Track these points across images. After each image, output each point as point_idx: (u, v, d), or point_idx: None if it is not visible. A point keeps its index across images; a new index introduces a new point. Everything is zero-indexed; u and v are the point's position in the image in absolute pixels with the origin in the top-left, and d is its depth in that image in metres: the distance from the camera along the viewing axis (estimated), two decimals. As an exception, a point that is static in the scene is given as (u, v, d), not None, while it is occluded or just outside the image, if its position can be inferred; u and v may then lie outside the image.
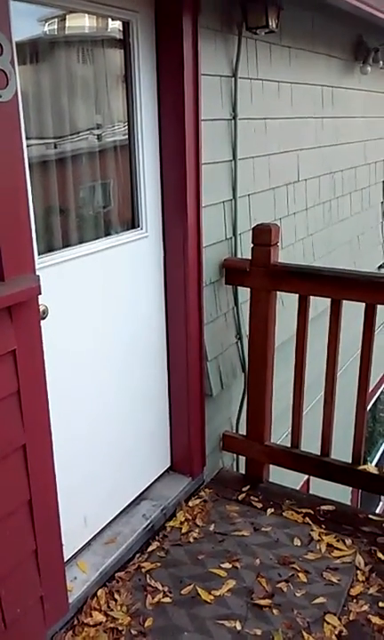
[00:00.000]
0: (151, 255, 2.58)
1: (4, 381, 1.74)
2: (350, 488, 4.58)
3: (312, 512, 2.74)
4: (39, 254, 1.98)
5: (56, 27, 2.06)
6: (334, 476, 2.79)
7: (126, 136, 2.39)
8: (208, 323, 2.80)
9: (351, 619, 2.19)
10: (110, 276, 2.38)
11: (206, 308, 2.75)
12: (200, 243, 2.63)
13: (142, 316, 2.59)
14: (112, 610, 2.22)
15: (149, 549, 2.53)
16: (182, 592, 2.30)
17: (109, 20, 2.25)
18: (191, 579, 2.36)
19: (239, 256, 2.96)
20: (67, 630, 2.14)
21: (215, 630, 2.14)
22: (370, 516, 2.73)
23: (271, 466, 3.01)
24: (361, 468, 2.73)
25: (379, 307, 2.58)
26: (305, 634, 2.11)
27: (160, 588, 2.31)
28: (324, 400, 2.78)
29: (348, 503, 4.32)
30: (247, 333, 2.92)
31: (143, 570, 2.41)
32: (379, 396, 6.65)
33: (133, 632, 2.13)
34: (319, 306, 2.97)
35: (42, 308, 1.96)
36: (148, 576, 2.38)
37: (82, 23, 2.15)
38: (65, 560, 2.17)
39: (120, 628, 2.13)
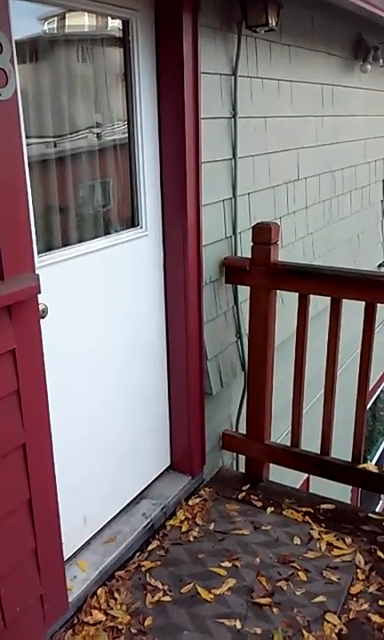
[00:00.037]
0: (151, 254, 2.58)
1: (3, 380, 1.74)
2: (350, 487, 4.58)
3: (312, 511, 2.75)
4: (39, 253, 1.98)
5: (56, 25, 2.05)
6: (334, 474, 2.80)
7: (126, 135, 2.39)
8: (208, 321, 2.80)
9: (351, 617, 2.19)
10: (110, 274, 2.38)
11: (206, 307, 2.75)
12: (200, 241, 2.62)
13: (142, 315, 2.59)
14: (112, 609, 2.22)
15: (149, 548, 2.53)
16: (182, 591, 2.30)
17: (109, 18, 2.24)
18: (191, 577, 2.36)
19: (239, 255, 2.96)
20: (66, 629, 2.14)
21: (215, 629, 2.14)
22: (370, 515, 2.73)
23: (271, 465, 3.01)
24: (361, 466, 2.73)
25: (379, 305, 2.58)
26: (305, 632, 2.11)
27: (160, 586, 2.32)
28: (324, 398, 2.78)
29: (348, 502, 4.32)
30: (247, 332, 2.91)
31: (143, 569, 2.41)
32: (379, 395, 6.66)
33: (133, 631, 2.13)
34: (319, 304, 2.97)
35: (41, 307, 1.96)
36: (147, 575, 2.38)
37: (81, 22, 2.15)
38: (65, 559, 2.17)
39: (120, 627, 2.14)
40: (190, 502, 2.82)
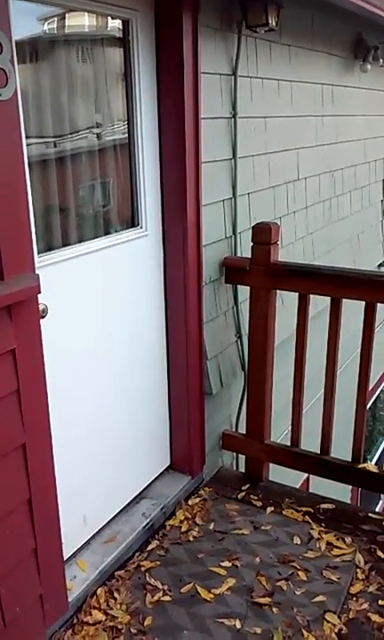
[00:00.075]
0: (151, 254, 2.58)
1: (3, 380, 1.74)
2: (350, 486, 4.58)
3: (312, 510, 2.75)
4: (39, 253, 1.98)
5: (56, 25, 2.05)
6: (334, 474, 2.80)
7: (126, 135, 2.39)
8: (208, 321, 2.80)
9: (351, 617, 2.19)
10: (110, 274, 2.38)
11: (206, 307, 2.75)
12: (200, 241, 2.62)
13: (142, 315, 2.59)
14: (112, 608, 2.22)
15: (149, 548, 2.53)
16: (182, 590, 2.30)
17: (109, 18, 2.24)
18: (191, 577, 2.36)
19: (239, 255, 2.96)
20: (66, 629, 2.14)
21: (215, 629, 2.14)
22: (369, 515, 2.73)
23: (271, 464, 3.01)
24: (361, 466, 2.73)
25: (379, 305, 2.58)
26: (305, 632, 2.11)
27: (160, 586, 2.32)
28: (324, 398, 2.78)
29: (348, 501, 4.31)
30: (247, 332, 2.91)
31: (143, 568, 2.41)
32: (378, 395, 6.66)
33: (133, 631, 2.13)
34: (319, 304, 2.97)
35: (41, 307, 1.96)
36: (147, 575, 2.38)
37: (81, 22, 2.15)
38: (64, 559, 2.18)
39: (120, 627, 2.14)
40: (190, 502, 2.82)
